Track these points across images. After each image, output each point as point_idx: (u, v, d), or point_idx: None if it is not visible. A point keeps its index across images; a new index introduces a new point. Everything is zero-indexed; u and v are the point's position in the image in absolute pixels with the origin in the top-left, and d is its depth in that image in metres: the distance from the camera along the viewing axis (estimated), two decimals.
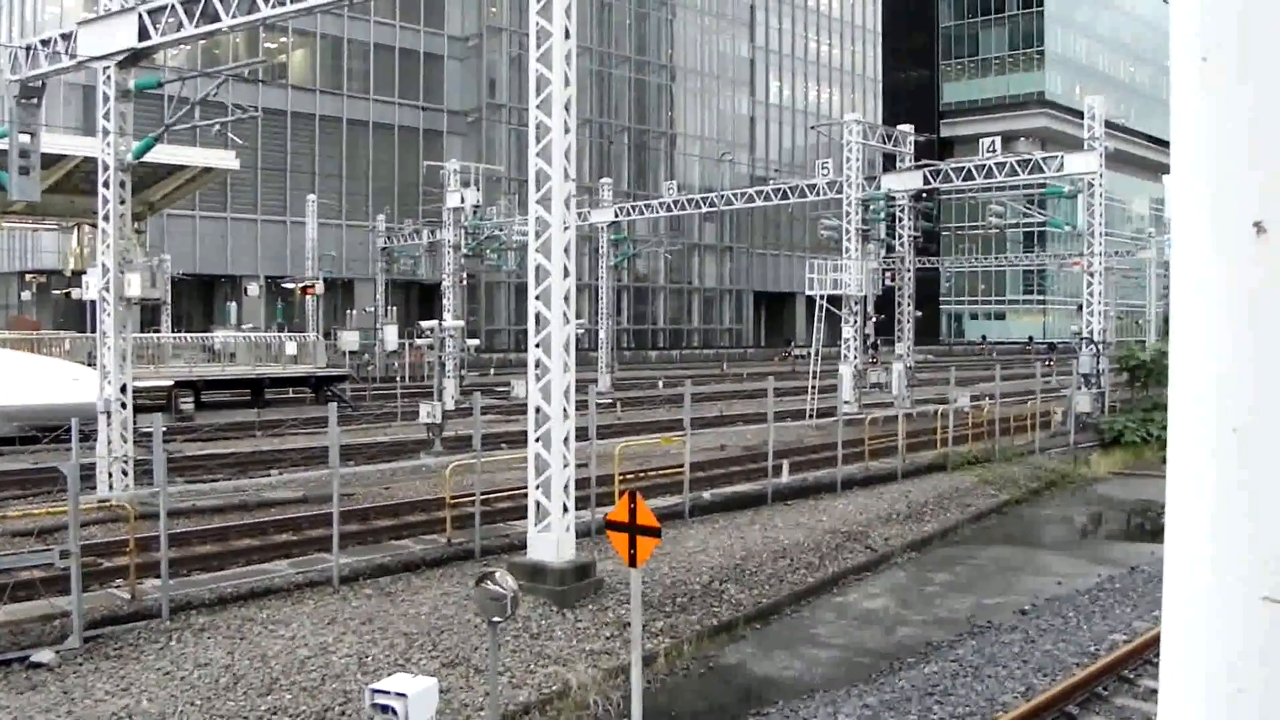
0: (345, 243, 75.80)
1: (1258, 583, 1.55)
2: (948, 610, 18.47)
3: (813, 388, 40.70)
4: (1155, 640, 15.02)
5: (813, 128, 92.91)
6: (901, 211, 46.57)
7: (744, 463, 29.55)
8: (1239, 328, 1.53)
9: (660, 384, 58.45)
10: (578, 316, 18.30)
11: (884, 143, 47.35)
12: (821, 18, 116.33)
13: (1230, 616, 1.59)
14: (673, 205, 58.72)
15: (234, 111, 30.21)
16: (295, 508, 23.02)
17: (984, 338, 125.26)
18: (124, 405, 23.23)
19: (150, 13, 21.76)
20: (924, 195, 47.43)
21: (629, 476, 23.93)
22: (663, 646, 15.42)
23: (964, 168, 43.64)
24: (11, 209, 36.96)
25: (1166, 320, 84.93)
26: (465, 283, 57.11)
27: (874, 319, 44.41)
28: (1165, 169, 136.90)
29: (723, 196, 59.25)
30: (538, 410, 16.73)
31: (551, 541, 16.52)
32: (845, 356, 42.05)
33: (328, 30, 77.22)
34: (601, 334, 61.49)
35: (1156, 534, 26.12)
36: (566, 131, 16.72)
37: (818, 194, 48.60)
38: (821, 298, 41.35)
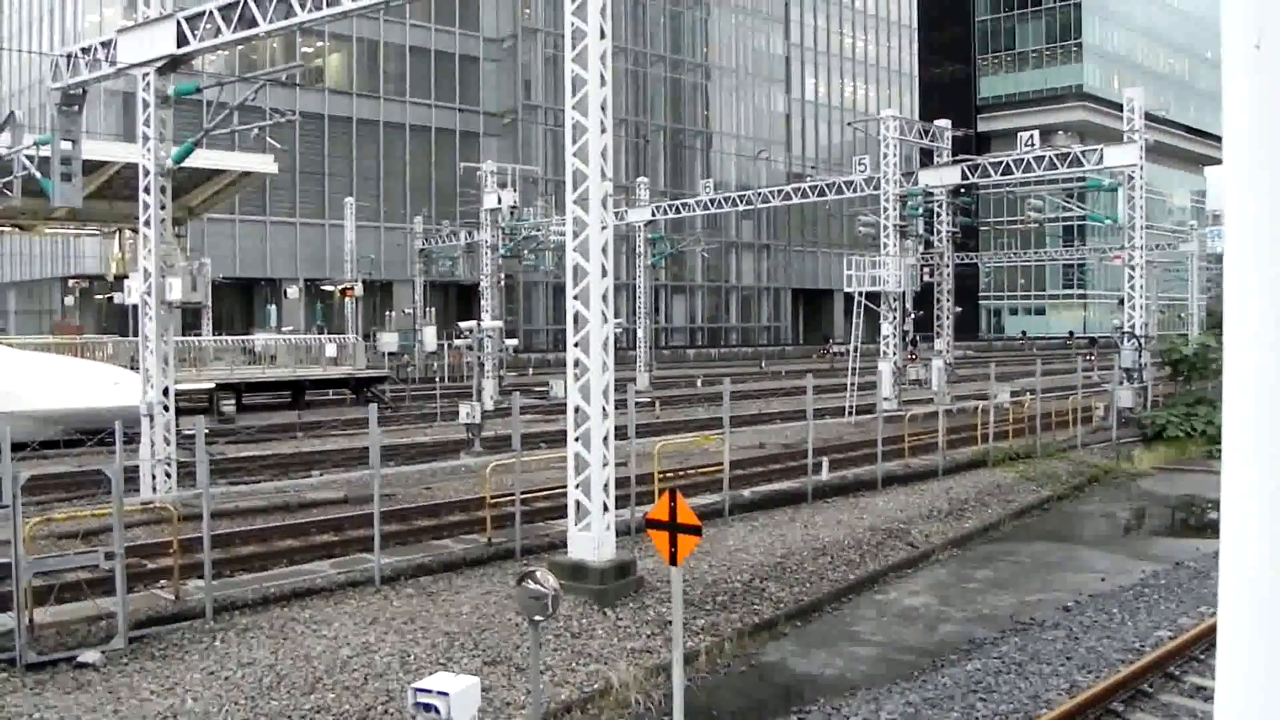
0: (383, 244, 76.20)
1: None
2: (990, 607, 18.34)
3: (852, 385, 40.53)
4: (1201, 636, 14.87)
5: (849, 124, 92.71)
6: (939, 207, 46.35)
7: (783, 460, 29.46)
8: None
9: (699, 382, 58.42)
10: (615, 315, 18.29)
11: (921, 138, 47.12)
12: (857, 14, 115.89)
13: None
14: (709, 204, 58.66)
15: (272, 116, 30.40)
16: (336, 508, 23.12)
17: (1024, 333, 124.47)
18: (166, 408, 23.43)
19: (188, 19, 21.95)
20: (962, 190, 47.19)
21: (668, 475, 23.90)
22: (704, 645, 15.40)
23: (1002, 162, 43.36)
24: (54, 215, 37.36)
25: (1210, 314, 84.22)
26: (503, 283, 57.26)
27: (913, 315, 44.19)
28: (1206, 160, 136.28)
29: (760, 194, 59.18)
30: (577, 409, 16.74)
31: (592, 540, 16.53)
32: (884, 353, 41.88)
33: (363, 34, 77.62)
34: (639, 333, 61.53)
35: (1201, 529, 25.87)
36: (603, 131, 16.72)
37: (855, 190, 48.45)
38: (860, 294, 41.19)
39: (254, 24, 20.88)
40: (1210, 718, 11.53)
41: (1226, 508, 1.66)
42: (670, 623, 12.04)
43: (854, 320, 41.89)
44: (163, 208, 23.57)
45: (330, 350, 48.06)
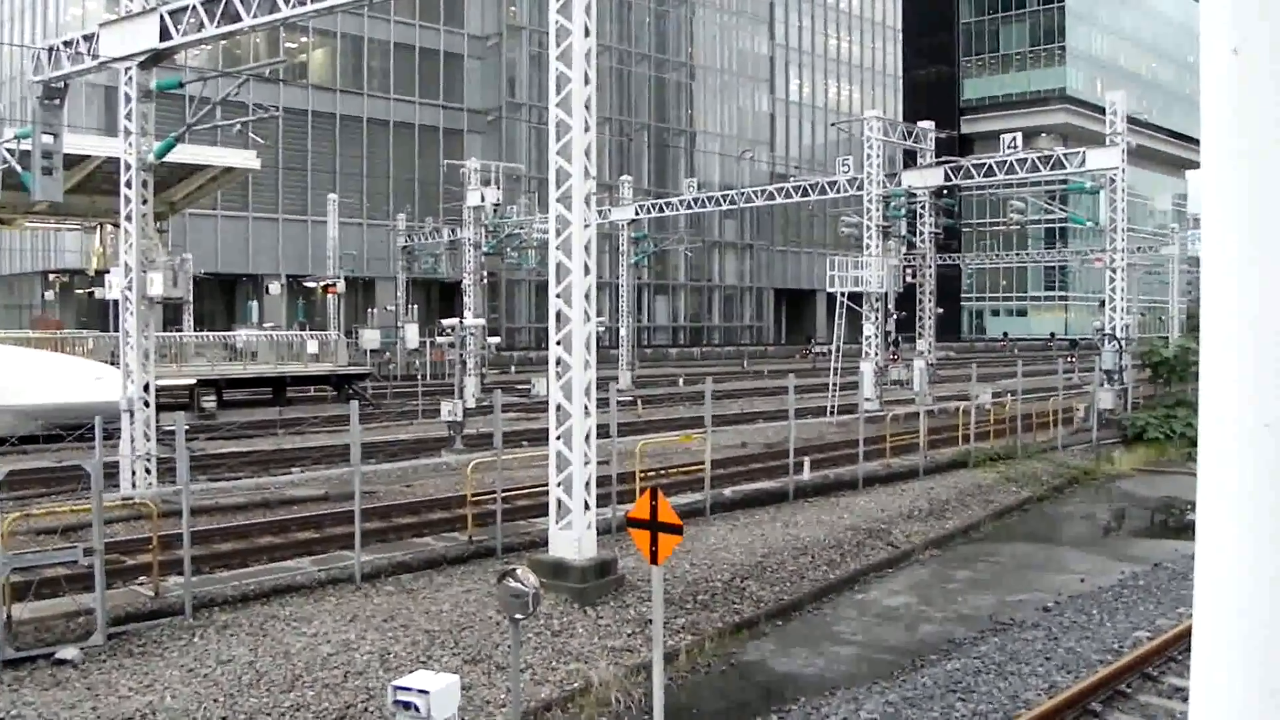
0: (366, 241, 76.05)
1: None
2: (970, 607, 18.41)
3: (834, 385, 40.60)
4: (1179, 637, 14.94)
5: (833, 125, 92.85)
6: (922, 208, 46.42)
7: (765, 460, 29.51)
8: (1272, 322, 1.51)
9: (681, 381, 58.44)
10: (598, 314, 18.29)
11: (905, 139, 47.20)
12: (841, 14, 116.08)
13: (1262, 610, 1.57)
14: (693, 203, 58.66)
15: (255, 111, 30.33)
16: (317, 505, 23.09)
17: (1005, 334, 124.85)
18: (147, 404, 23.34)
19: (171, 13, 21.85)
20: (945, 192, 47.29)
21: (650, 474, 23.91)
22: (684, 644, 15.41)
23: (985, 164, 43.46)
24: (35, 209, 37.15)
25: (1190, 316, 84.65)
26: (486, 281, 57.18)
27: (895, 316, 44.25)
28: (1188, 164, 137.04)
29: (743, 194, 59.20)
30: (559, 408, 16.74)
31: (573, 539, 16.53)
32: (866, 353, 41.95)
33: (348, 30, 77.43)
34: (622, 331, 61.50)
35: (1180, 531, 26.00)
36: (587, 129, 16.71)
37: (838, 191, 48.49)
38: (842, 295, 41.26)
39: (238, 19, 20.80)
40: (1187, 718, 11.65)
41: (1202, 510, 1.67)
42: (651, 621, 12.05)
43: (836, 320, 41.97)
44: (144, 202, 23.47)
45: (312, 347, 47.93)
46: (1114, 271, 40.91)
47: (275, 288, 69.57)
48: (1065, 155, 42.13)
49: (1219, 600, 1.64)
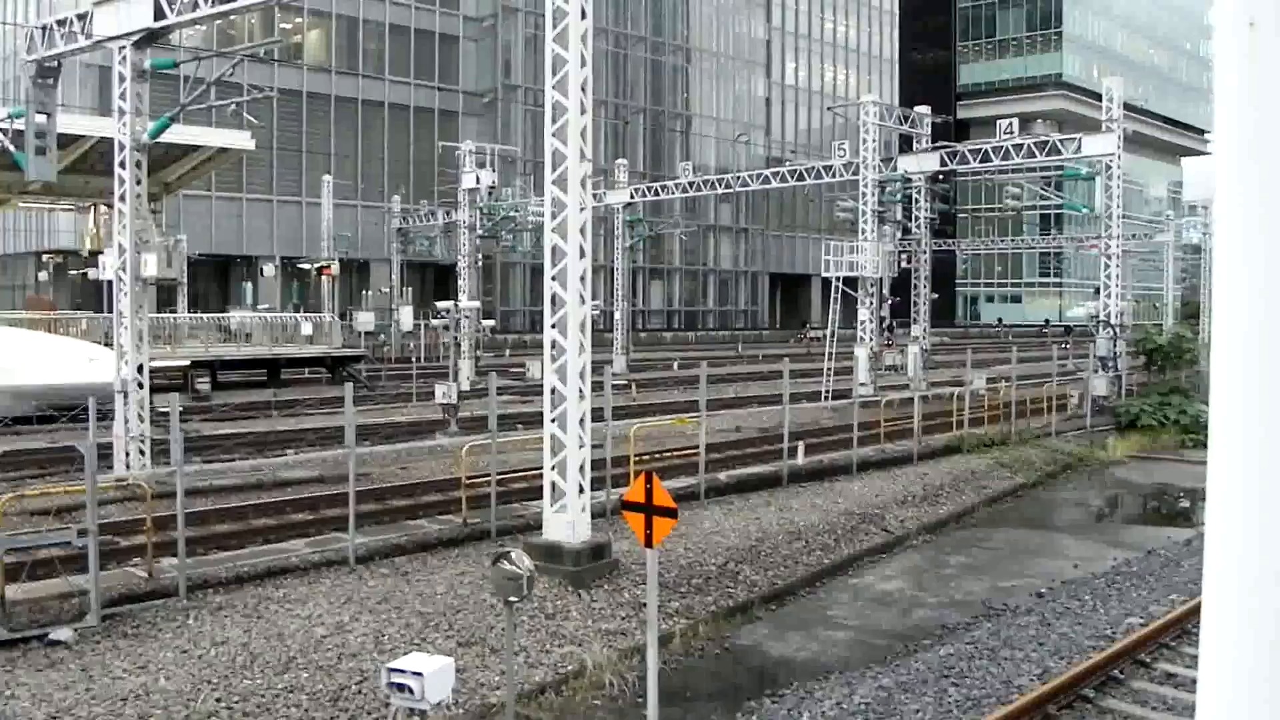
0: (361, 223, 75.81)
1: None
2: (963, 593, 18.44)
3: (828, 370, 40.60)
4: (1172, 624, 14.99)
5: (829, 109, 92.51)
6: (918, 193, 46.36)
7: (759, 444, 29.51)
8: None
9: (675, 365, 58.42)
10: (593, 298, 18.26)
11: (900, 124, 47.14)
12: None
13: (1271, 597, 1.56)
14: (688, 186, 58.56)
15: (249, 92, 30.22)
16: (312, 487, 23.07)
17: (1000, 320, 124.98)
18: (141, 385, 23.30)
19: None
20: (940, 177, 47.21)
21: (644, 458, 23.90)
22: (678, 627, 15.43)
23: (981, 149, 43.41)
24: (28, 189, 37.05)
25: (1185, 304, 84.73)
26: (481, 264, 57.01)
27: (890, 301, 44.26)
28: (1184, 151, 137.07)
29: (738, 178, 59.08)
30: (553, 391, 16.72)
31: (567, 522, 16.53)
32: (861, 338, 41.94)
33: (343, 10, 77.15)
34: (617, 315, 61.44)
35: (1173, 518, 26.07)
36: (583, 112, 16.66)
37: (834, 175, 48.41)
38: (837, 280, 41.21)
39: None
40: (1180, 704, 11.57)
41: (1213, 498, 1.65)
42: (645, 605, 12.06)
43: (831, 305, 41.94)
44: (138, 183, 23.39)
45: (306, 329, 47.89)
46: (1109, 258, 40.92)
47: (269, 269, 69.41)
48: (1061, 141, 42.07)
49: (1227, 582, 1.62)
